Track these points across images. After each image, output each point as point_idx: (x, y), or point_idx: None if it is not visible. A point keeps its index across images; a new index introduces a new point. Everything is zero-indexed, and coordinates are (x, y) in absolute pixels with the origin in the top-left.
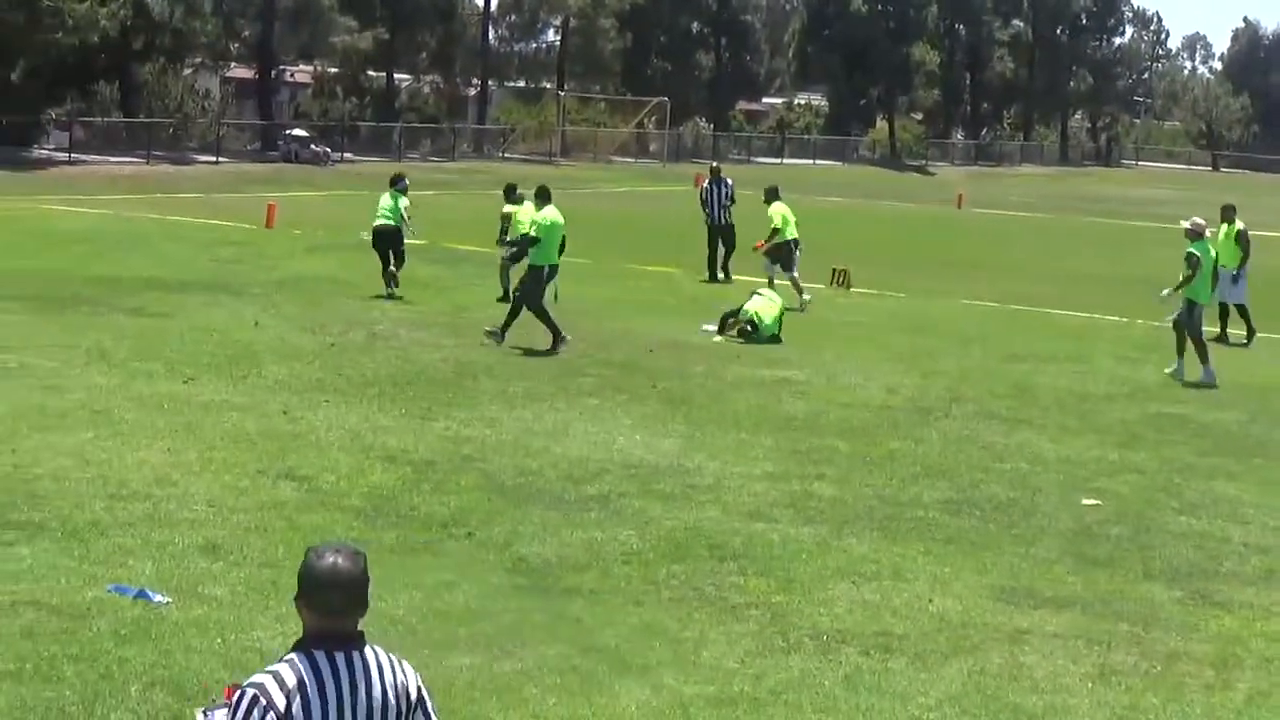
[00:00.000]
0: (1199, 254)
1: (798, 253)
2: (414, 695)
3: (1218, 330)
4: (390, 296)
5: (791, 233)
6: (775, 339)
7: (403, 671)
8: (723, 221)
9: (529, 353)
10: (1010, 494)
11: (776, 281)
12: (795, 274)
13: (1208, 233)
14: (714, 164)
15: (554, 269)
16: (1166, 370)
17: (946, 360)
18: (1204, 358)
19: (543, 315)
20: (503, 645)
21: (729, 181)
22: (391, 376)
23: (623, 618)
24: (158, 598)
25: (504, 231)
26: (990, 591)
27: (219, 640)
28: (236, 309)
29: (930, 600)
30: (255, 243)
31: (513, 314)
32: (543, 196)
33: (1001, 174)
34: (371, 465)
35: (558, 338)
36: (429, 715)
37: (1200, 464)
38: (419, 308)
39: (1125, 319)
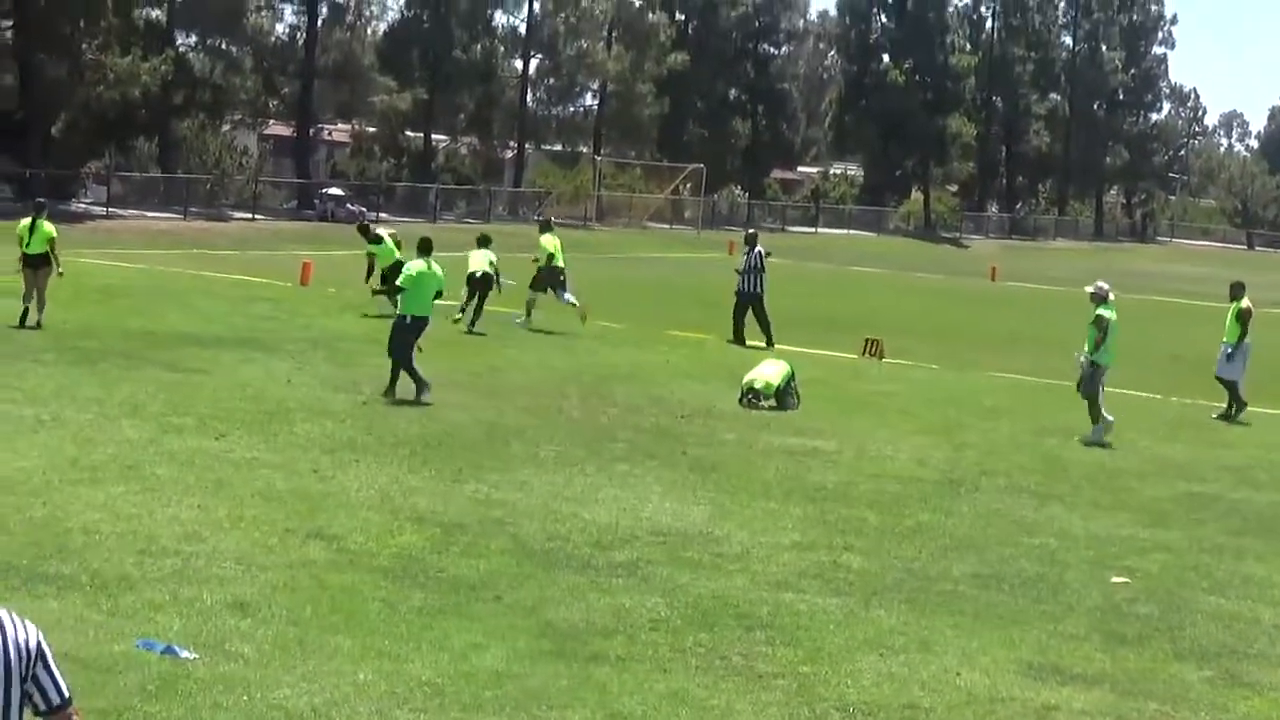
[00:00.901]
0: (1108, 317)
1: (563, 279)
2: (34, 648)
3: (1223, 407)
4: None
5: (560, 260)
6: (784, 398)
7: (24, 628)
8: (750, 289)
9: (559, 415)
10: (1039, 569)
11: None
12: (568, 296)
13: (1111, 296)
14: (749, 230)
15: (422, 320)
16: (1077, 438)
17: (977, 433)
18: (1095, 417)
19: (405, 365)
20: (529, 709)
21: (761, 251)
22: (422, 437)
23: (649, 685)
24: (185, 653)
25: (370, 271)
26: (1018, 666)
27: (245, 698)
28: (270, 366)
29: (958, 674)
30: (290, 300)
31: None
32: (423, 249)
33: (1036, 248)
34: (401, 526)
35: (420, 387)
36: (48, 665)
37: (1230, 544)
38: (450, 366)
39: (1157, 395)
